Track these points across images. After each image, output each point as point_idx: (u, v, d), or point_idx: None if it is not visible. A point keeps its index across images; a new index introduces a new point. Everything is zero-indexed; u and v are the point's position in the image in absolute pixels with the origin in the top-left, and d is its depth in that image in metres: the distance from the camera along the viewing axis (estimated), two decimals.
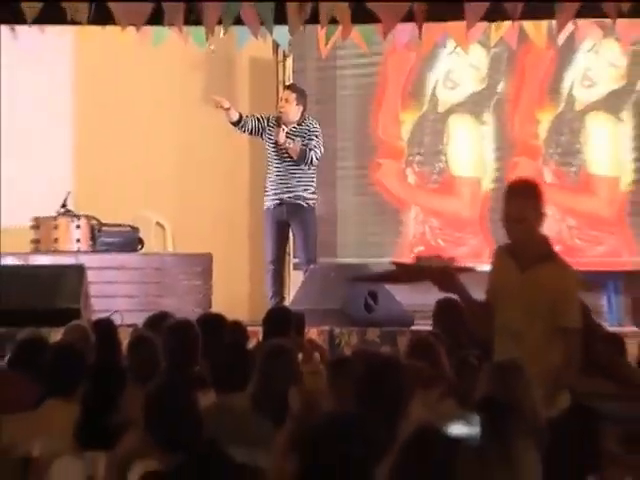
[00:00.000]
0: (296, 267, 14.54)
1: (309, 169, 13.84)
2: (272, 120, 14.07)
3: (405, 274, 9.54)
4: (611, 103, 15.21)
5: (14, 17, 11.03)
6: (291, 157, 13.67)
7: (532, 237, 8.03)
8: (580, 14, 11.19)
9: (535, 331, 7.99)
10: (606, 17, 11.47)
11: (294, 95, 13.90)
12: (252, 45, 13.97)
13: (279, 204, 13.76)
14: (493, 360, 7.93)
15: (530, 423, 6.22)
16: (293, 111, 13.83)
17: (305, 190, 13.84)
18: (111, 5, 10.97)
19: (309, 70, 15.36)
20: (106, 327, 10.00)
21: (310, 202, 13.95)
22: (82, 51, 14.00)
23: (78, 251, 14.06)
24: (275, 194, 13.81)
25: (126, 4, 10.97)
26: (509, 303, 8.17)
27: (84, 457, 6.75)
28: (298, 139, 13.64)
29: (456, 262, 8.80)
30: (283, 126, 13.73)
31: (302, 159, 13.64)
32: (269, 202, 13.92)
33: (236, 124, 13.80)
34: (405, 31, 12.35)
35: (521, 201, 8.11)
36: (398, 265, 9.67)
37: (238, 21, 11.49)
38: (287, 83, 15.49)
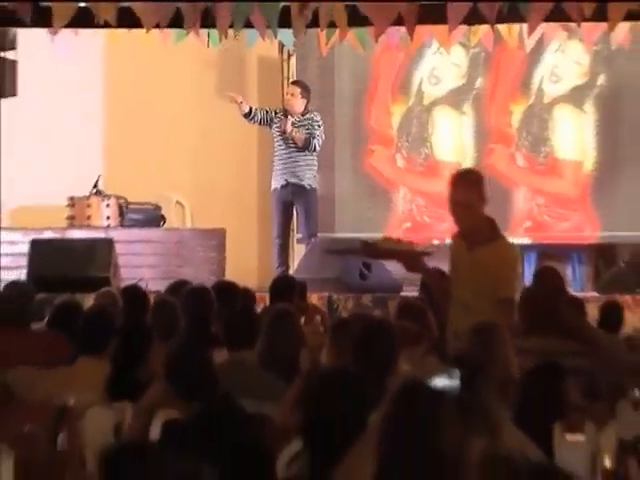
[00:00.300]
0: (299, 241, 14.53)
1: (311, 155, 13.89)
2: (279, 112, 14.12)
3: (374, 252, 9.67)
4: (575, 96, 15.27)
5: (49, 21, 11.01)
6: (296, 144, 13.72)
7: (477, 221, 8.24)
8: (548, 18, 11.18)
9: (481, 303, 8.14)
10: (571, 21, 11.47)
11: (299, 90, 13.95)
12: (260, 45, 13.96)
13: (285, 186, 13.80)
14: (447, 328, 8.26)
15: (502, 377, 6.26)
16: (298, 104, 13.86)
17: (308, 173, 13.89)
18: (136, 9, 10.98)
19: (310, 68, 15.33)
20: (133, 293, 10.02)
21: (312, 184, 14.00)
22: (111, 50, 14.05)
23: (108, 227, 14.11)
24: (281, 177, 13.83)
25: (150, 8, 10.97)
26: (460, 279, 8.40)
27: (113, 407, 6.78)
28: (302, 129, 13.68)
29: (417, 245, 8.98)
30: (289, 117, 13.78)
31: (306, 146, 13.68)
32: (276, 184, 13.95)
33: (247, 116, 13.82)
34: (394, 33, 12.35)
35: (466, 189, 8.27)
36: (367, 244, 9.76)
37: (247, 24, 11.48)
38: (292, 79, 15.51)
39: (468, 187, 8.31)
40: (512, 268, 8.45)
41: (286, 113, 14.03)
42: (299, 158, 14.00)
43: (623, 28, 12.16)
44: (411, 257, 9.32)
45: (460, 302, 8.31)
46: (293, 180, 13.95)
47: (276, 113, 14.15)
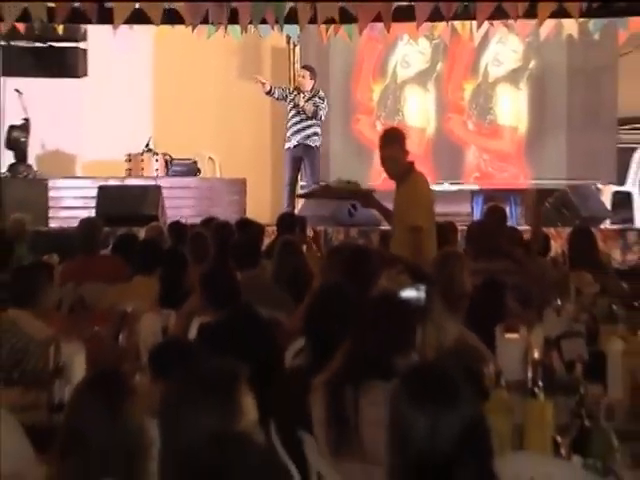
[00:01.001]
0: (303, 188, 14.47)
1: (318, 122, 13.83)
2: (293, 89, 14.07)
3: (334, 194, 9.67)
4: (512, 77, 15.20)
5: (111, 19, 10.96)
6: (306, 114, 13.64)
7: (400, 168, 8.10)
8: (491, 16, 11.14)
9: (399, 230, 8.21)
10: (509, 18, 11.43)
11: (309, 73, 13.86)
12: (272, 37, 14.00)
13: (296, 146, 13.69)
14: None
15: (458, 292, 6.25)
16: (308, 83, 13.75)
17: (314, 137, 13.80)
18: (179, 10, 10.91)
19: (311, 54, 15.21)
20: (175, 226, 10.01)
21: (317, 145, 13.91)
22: (159, 41, 14.03)
23: (156, 177, 14.07)
24: (294, 139, 13.68)
25: (189, 9, 10.89)
26: (394, 211, 8.31)
27: (161, 314, 6.81)
28: (310, 102, 13.62)
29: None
30: (301, 94, 13.71)
31: (314, 116, 13.60)
32: (289, 144, 13.79)
33: (268, 93, 13.76)
34: (375, 28, 12.33)
35: (390, 145, 8.17)
36: (327, 187, 9.80)
37: (263, 21, 11.43)
38: (299, 64, 15.35)
39: (391, 144, 8.22)
40: (420, 201, 8.23)
41: (298, 90, 13.92)
42: (308, 125, 13.87)
43: (549, 24, 12.07)
44: (363, 195, 9.36)
45: (394, 230, 8.44)
46: (303, 142, 13.83)
47: (290, 91, 14.06)
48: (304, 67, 14.56)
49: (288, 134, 14.07)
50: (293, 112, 13.96)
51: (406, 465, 2.80)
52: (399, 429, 2.90)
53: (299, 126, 13.92)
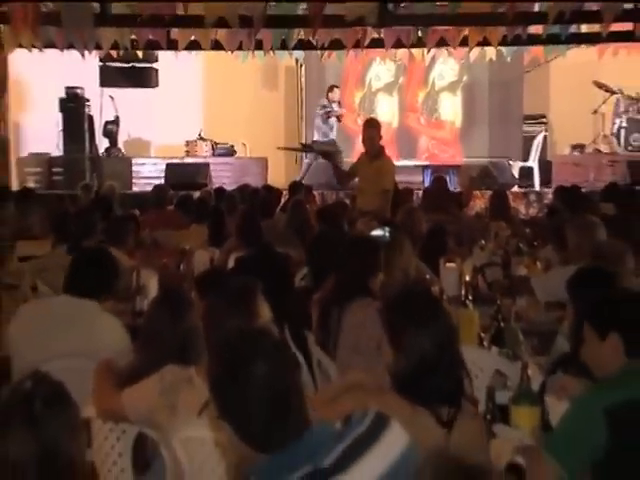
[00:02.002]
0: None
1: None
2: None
3: (309, 149, 10.85)
4: (451, 87, 15.07)
5: (176, 46, 10.89)
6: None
7: (376, 147, 8.16)
8: (437, 44, 11.07)
9: (372, 190, 8.10)
10: (449, 46, 11.35)
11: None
12: (285, 59, 13.91)
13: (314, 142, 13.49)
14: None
15: (417, 234, 6.24)
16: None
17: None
18: (220, 39, 10.83)
19: (312, 72, 15.08)
20: (219, 191, 9.99)
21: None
22: (208, 62, 13.83)
23: (206, 157, 13.96)
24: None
25: (228, 39, 10.81)
26: (363, 177, 8.36)
27: (209, 251, 6.77)
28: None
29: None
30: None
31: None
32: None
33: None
34: (357, 52, 12.29)
35: (371, 130, 8.25)
36: (307, 145, 10.01)
37: (279, 47, 11.35)
38: (305, 79, 15.14)
39: (371, 128, 8.28)
40: (391, 172, 8.34)
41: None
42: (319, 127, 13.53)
43: (476, 50, 12.00)
44: (329, 155, 9.43)
45: (362, 190, 8.36)
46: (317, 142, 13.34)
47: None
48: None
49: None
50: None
51: (403, 368, 2.76)
52: (395, 339, 2.80)
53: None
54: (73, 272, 4.29)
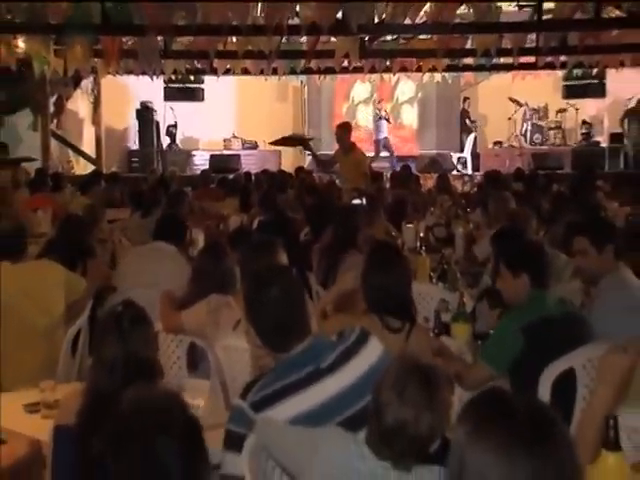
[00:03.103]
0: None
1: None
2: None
3: (288, 140, 9.41)
4: (410, 101, 14.85)
5: (216, 72, 10.72)
6: None
7: (348, 143, 7.58)
8: (400, 70, 10.89)
9: (352, 175, 7.56)
10: (408, 71, 11.18)
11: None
12: (293, 80, 13.73)
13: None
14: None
15: (385, 204, 6.16)
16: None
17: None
18: (249, 67, 10.66)
19: (312, 90, 14.84)
20: (247, 173, 9.89)
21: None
22: (239, 80, 13.56)
23: (237, 150, 13.78)
24: None
25: (254, 66, 10.64)
26: (343, 167, 7.74)
27: (240, 215, 6.71)
28: None
29: None
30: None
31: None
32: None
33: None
34: (344, 77, 12.10)
35: (338, 131, 7.72)
36: (285, 137, 9.31)
37: (289, 73, 11.19)
38: (308, 95, 14.83)
39: (339, 129, 7.77)
40: (364, 161, 7.97)
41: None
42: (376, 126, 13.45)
43: (428, 74, 11.77)
44: (304, 142, 9.04)
45: (346, 176, 7.78)
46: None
47: None
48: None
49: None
50: None
51: (375, 296, 2.72)
52: (368, 277, 2.75)
53: None
54: (159, 228, 4.26)
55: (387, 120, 13.59)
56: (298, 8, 7.60)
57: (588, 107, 13.50)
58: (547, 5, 7.92)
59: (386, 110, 13.81)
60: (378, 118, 13.58)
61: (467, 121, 13.98)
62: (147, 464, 1.37)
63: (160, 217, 4.63)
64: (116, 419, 1.44)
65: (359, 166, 7.71)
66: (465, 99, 14.21)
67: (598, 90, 12.79)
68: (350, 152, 7.64)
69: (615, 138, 12.72)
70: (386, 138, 13.58)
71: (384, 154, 13.56)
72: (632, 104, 12.51)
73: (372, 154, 12.73)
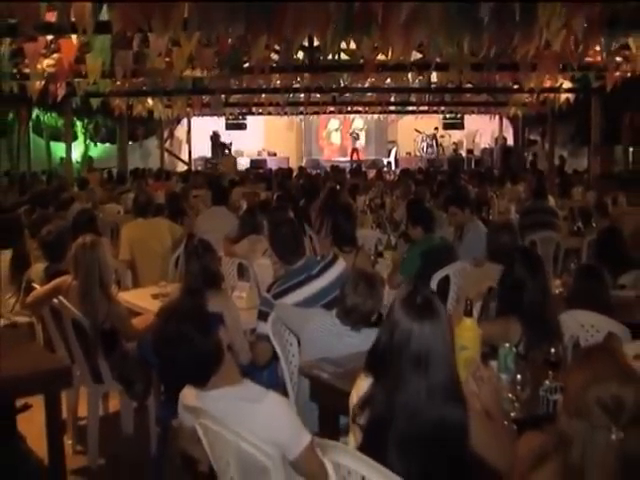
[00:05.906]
0: None
1: None
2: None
3: None
4: (361, 130, 13.92)
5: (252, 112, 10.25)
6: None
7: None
8: (355, 112, 10.48)
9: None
10: (360, 113, 10.74)
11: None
12: (298, 118, 12.95)
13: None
14: None
15: (342, 184, 5.94)
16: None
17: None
18: (271, 110, 10.22)
19: (307, 123, 14.02)
20: (270, 169, 9.57)
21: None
22: (267, 117, 12.94)
23: (265, 157, 13.20)
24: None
25: (276, 109, 10.16)
26: None
27: (266, 193, 6.26)
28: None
29: None
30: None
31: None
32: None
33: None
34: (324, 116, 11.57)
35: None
36: None
37: (295, 113, 10.78)
38: (305, 125, 13.75)
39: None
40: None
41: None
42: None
43: (369, 115, 11.31)
44: None
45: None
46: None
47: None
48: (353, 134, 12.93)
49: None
50: None
51: (340, 233, 2.73)
52: (335, 227, 2.76)
53: None
54: (215, 198, 4.16)
55: (356, 138, 13.22)
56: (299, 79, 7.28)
57: (455, 135, 13.55)
58: (434, 77, 7.62)
59: (357, 133, 13.32)
60: (353, 138, 13.16)
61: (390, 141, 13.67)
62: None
63: (212, 193, 4.55)
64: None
65: None
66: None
67: (460, 125, 13.37)
68: None
69: (469, 152, 13.32)
70: (356, 148, 13.25)
71: (347, 158, 13.28)
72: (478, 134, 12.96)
73: (348, 158, 12.48)
